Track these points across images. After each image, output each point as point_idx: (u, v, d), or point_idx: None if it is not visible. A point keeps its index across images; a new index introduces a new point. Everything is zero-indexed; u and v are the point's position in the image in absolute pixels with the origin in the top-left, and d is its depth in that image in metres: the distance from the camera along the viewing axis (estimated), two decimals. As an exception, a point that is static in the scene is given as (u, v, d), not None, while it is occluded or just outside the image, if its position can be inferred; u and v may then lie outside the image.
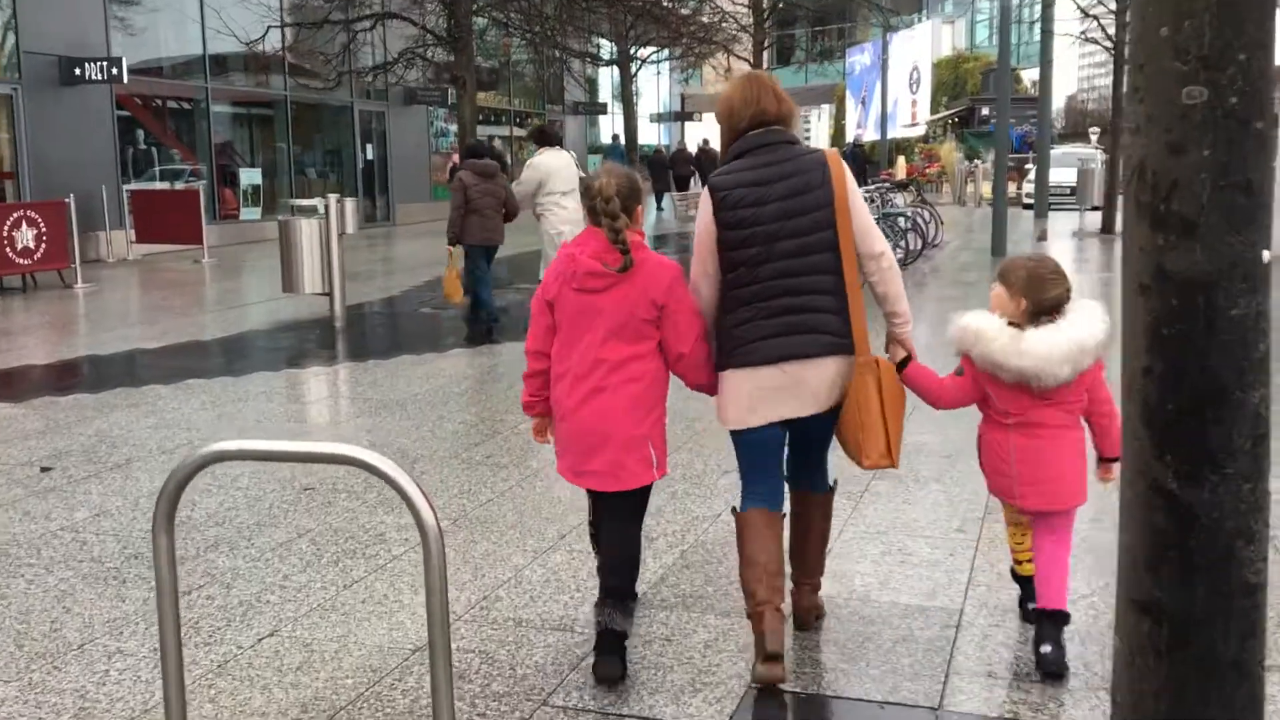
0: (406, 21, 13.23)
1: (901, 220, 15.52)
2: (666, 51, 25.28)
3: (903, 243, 15.00)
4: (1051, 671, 3.33)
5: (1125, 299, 1.96)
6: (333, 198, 10.45)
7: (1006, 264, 3.47)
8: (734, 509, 3.51)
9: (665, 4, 21.91)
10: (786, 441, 3.51)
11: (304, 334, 10.29)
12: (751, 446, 3.44)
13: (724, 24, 22.17)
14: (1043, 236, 18.70)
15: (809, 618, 3.68)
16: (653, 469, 3.39)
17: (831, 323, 3.30)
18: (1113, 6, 18.85)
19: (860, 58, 51.36)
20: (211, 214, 20.24)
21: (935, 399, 3.54)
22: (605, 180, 3.35)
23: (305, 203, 10.90)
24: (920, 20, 52.70)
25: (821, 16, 47.13)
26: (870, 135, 45.28)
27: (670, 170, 29.12)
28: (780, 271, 3.29)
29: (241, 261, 17.12)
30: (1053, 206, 24.75)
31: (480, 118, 31.18)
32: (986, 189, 32.70)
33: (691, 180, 28.00)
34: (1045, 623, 3.40)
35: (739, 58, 23.42)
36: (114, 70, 16.76)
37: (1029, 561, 3.60)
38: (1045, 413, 3.37)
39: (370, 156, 25.36)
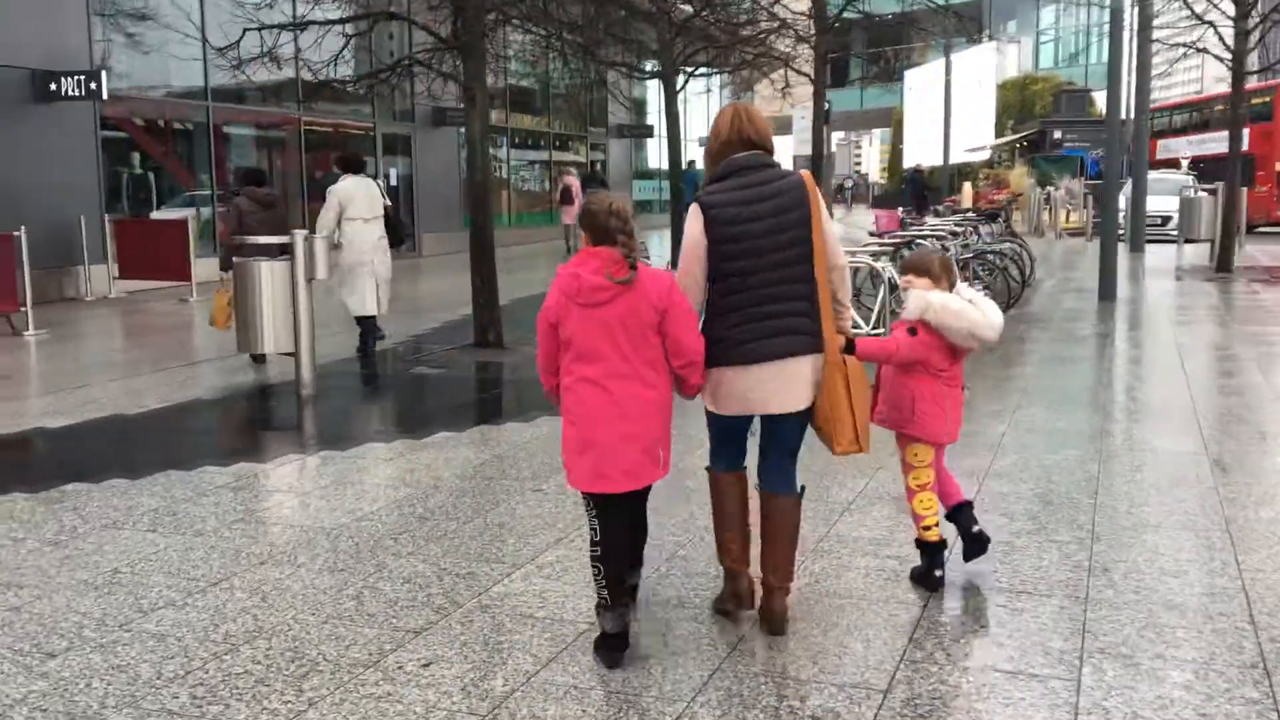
0: (405, 21, 11.19)
1: (993, 258, 13.19)
2: (716, 66, 23.04)
3: (999, 283, 12.66)
4: (987, 541, 4.37)
5: None
6: (299, 235, 8.31)
7: (917, 260, 4.35)
8: (708, 468, 4.09)
9: (713, 17, 19.69)
10: (760, 443, 3.95)
11: (256, 407, 8.17)
12: (727, 427, 3.97)
13: (783, 33, 19.86)
14: (1142, 276, 16.27)
15: (779, 621, 3.83)
16: (660, 467, 3.69)
17: (807, 325, 3.76)
18: (1231, 13, 16.41)
19: (919, 78, 48.95)
20: (212, 246, 18.39)
21: (892, 354, 4.20)
22: (619, 203, 3.63)
23: (264, 240, 8.80)
24: (983, 41, 50.27)
25: (878, 35, 44.72)
26: (930, 160, 42.79)
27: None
28: (767, 281, 3.71)
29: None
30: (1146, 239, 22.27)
31: (516, 141, 29.34)
32: (1064, 218, 30.13)
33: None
34: (968, 510, 4.36)
35: (799, 73, 21.11)
36: (93, 85, 14.88)
37: (937, 525, 4.28)
38: (960, 367, 4.34)
39: (394, 182, 23.40)
